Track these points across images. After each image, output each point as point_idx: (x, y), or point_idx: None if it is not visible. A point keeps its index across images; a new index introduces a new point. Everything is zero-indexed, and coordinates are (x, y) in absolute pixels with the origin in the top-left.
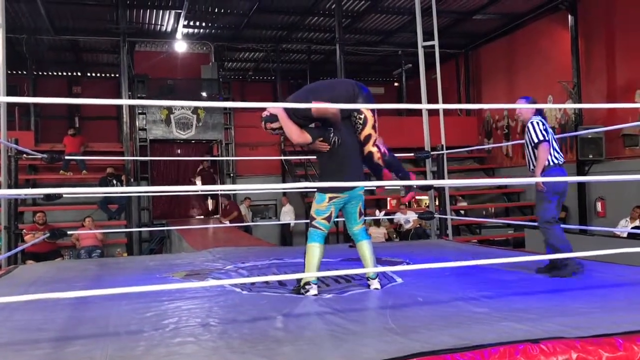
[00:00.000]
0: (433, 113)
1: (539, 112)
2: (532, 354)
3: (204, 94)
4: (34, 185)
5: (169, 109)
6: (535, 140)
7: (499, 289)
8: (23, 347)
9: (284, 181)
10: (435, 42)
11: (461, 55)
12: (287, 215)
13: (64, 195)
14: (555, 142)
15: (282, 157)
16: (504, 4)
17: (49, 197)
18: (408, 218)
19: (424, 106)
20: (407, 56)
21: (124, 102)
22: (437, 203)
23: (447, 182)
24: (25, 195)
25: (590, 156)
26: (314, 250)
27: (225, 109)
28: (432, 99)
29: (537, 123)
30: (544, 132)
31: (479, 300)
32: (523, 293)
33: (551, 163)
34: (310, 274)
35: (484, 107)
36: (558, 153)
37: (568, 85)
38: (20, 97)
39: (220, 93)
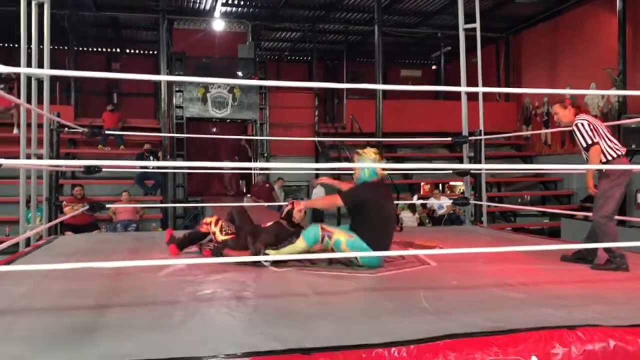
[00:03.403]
0: (471, 98)
1: (579, 109)
2: (568, 340)
3: (239, 73)
4: (73, 159)
5: (206, 88)
6: (584, 145)
7: (535, 277)
8: (67, 312)
9: (317, 162)
10: (477, 25)
11: (502, 39)
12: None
13: (102, 170)
14: (607, 133)
15: (316, 139)
16: None
17: (88, 171)
18: (442, 204)
19: (463, 89)
20: (446, 39)
21: (163, 78)
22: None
23: (483, 166)
24: (66, 167)
25: (633, 146)
26: (301, 246)
27: (260, 88)
28: (470, 83)
29: (582, 125)
30: (590, 134)
31: (515, 286)
32: (559, 281)
33: (609, 157)
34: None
35: (525, 91)
36: (614, 144)
37: (613, 73)
38: (63, 71)
39: (256, 73)
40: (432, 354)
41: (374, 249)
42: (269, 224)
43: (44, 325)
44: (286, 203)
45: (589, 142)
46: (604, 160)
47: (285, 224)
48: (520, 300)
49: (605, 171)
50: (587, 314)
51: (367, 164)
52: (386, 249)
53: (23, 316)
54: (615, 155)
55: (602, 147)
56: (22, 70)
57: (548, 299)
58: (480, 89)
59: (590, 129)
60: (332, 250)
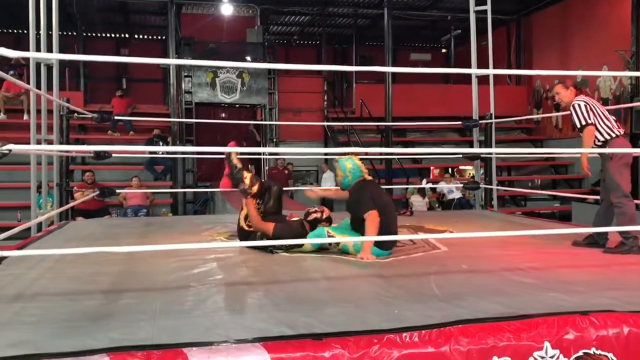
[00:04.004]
0: (482, 81)
1: (580, 91)
2: (581, 326)
3: (248, 58)
4: (83, 145)
5: (215, 73)
6: (578, 125)
7: (547, 261)
8: (78, 297)
9: (326, 147)
10: (488, 7)
11: (512, 22)
12: (328, 182)
13: (112, 155)
14: (606, 114)
15: (325, 123)
16: None
17: (98, 156)
18: (452, 188)
19: (474, 71)
20: (456, 22)
21: (171, 61)
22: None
23: (493, 150)
24: (76, 153)
25: None
26: (308, 249)
27: (269, 73)
28: (481, 66)
29: (579, 105)
30: (586, 115)
31: (526, 271)
32: (571, 266)
33: (607, 137)
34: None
35: (536, 73)
36: (611, 124)
37: (626, 55)
38: (72, 55)
39: (264, 57)
40: (444, 340)
41: (380, 246)
42: (295, 219)
43: (56, 310)
44: (314, 203)
45: (583, 123)
46: (601, 139)
47: (308, 227)
48: (532, 285)
49: (607, 153)
50: (600, 299)
51: (350, 164)
52: (393, 242)
53: (35, 301)
54: (613, 135)
55: (598, 128)
56: (31, 54)
57: (560, 283)
58: (491, 71)
59: (587, 110)
60: (340, 252)
